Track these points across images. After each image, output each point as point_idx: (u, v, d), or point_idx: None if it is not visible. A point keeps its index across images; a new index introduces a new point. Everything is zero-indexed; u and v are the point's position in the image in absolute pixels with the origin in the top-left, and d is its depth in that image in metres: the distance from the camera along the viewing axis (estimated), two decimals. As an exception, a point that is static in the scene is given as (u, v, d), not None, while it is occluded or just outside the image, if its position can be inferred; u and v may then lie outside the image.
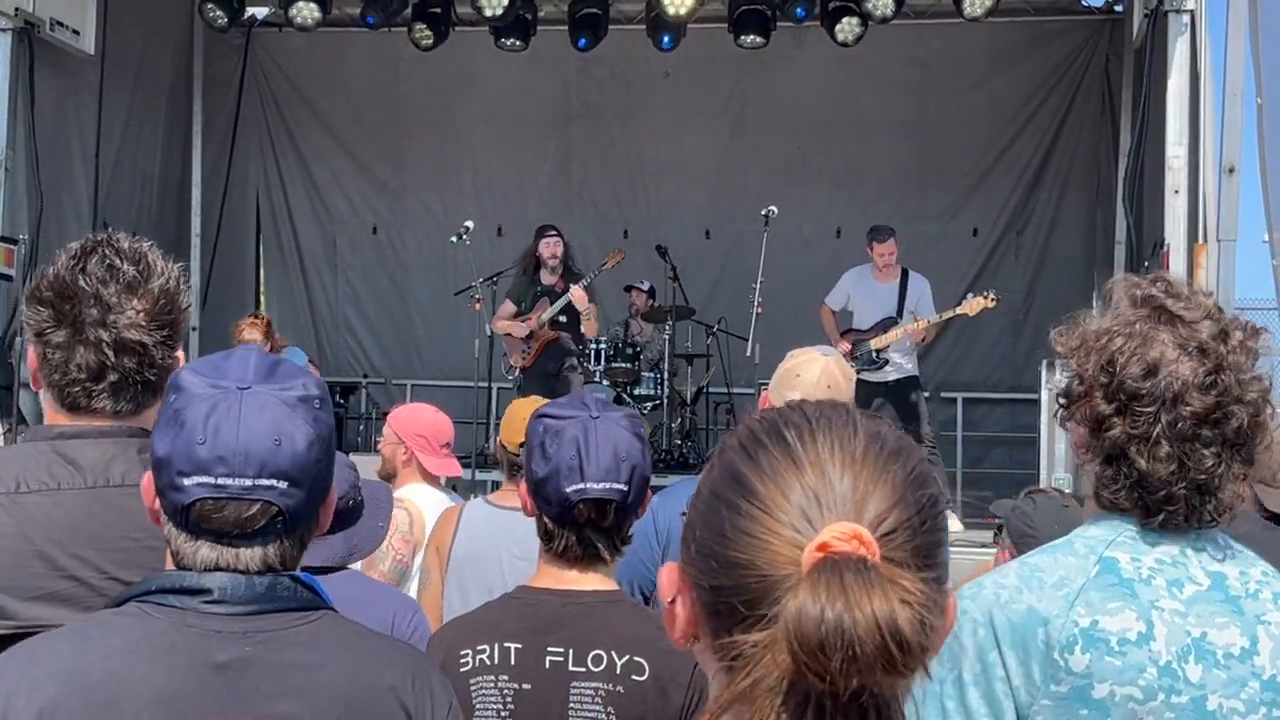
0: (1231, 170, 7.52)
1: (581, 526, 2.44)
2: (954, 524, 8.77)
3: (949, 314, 9.52)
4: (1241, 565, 1.96)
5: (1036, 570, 1.96)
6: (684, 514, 1.23)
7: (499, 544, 3.83)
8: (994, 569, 2.07)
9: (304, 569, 1.86)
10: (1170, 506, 1.93)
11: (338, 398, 11.87)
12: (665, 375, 10.72)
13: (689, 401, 11.30)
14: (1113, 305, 2.00)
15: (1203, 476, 1.90)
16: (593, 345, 10.38)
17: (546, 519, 2.48)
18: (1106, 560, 1.94)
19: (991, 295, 9.35)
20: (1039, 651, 1.89)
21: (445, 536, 4.05)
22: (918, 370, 9.93)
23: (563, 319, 10.13)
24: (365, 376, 13.41)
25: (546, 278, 10.15)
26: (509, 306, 10.24)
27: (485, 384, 10.59)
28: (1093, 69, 12.58)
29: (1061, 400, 2.03)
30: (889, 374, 9.67)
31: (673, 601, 1.19)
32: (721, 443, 1.22)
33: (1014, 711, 1.90)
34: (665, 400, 10.71)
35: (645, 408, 10.58)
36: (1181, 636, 1.89)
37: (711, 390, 11.60)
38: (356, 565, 3.41)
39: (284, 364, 1.83)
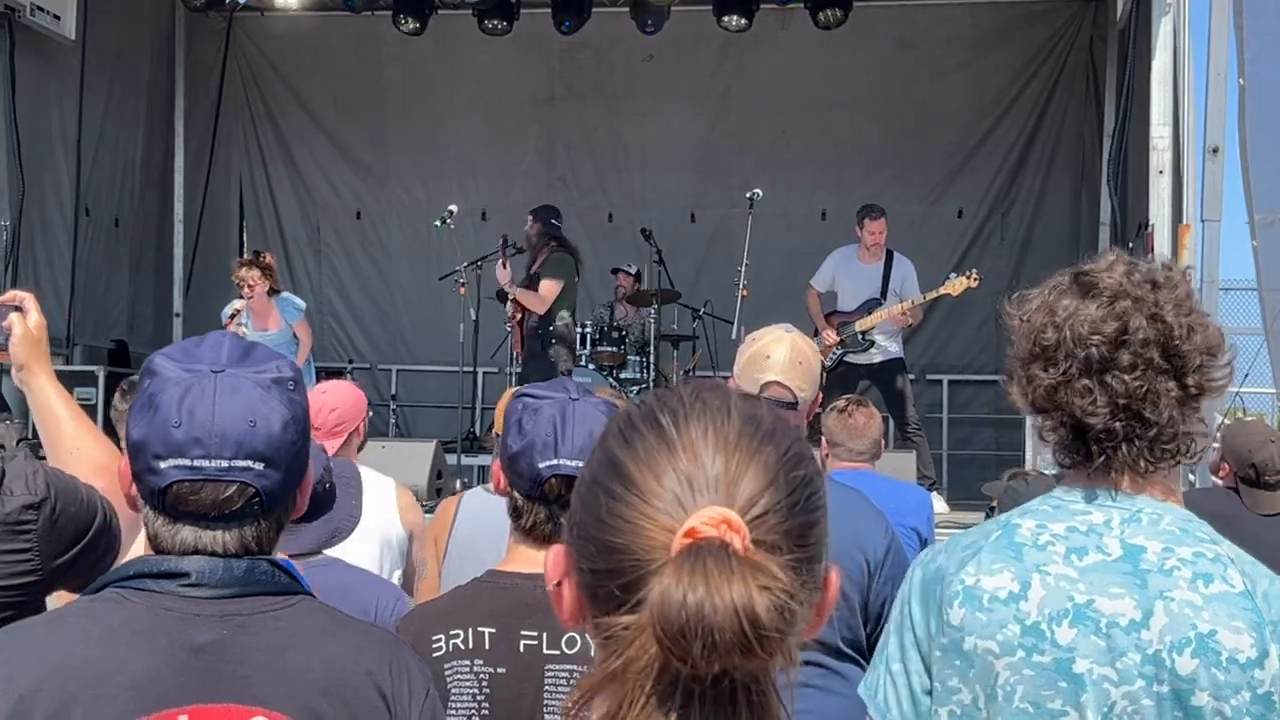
0: (1215, 150, 7.53)
1: (551, 503, 2.46)
2: (940, 505, 8.79)
3: (933, 294, 9.54)
4: (1172, 543, 1.95)
5: (962, 536, 2.10)
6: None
7: (499, 528, 3.82)
8: None
9: (289, 557, 1.86)
10: (1110, 442, 1.97)
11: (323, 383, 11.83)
12: (651, 358, 10.72)
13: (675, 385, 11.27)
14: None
15: (1125, 400, 1.95)
16: (579, 329, 10.36)
17: (517, 494, 2.51)
18: (1008, 526, 2.04)
19: (974, 274, 9.36)
20: (934, 607, 2.03)
21: (444, 527, 4.02)
22: (903, 353, 9.95)
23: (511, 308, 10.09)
24: (350, 362, 13.39)
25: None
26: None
27: (470, 369, 10.57)
28: (1077, 50, 12.59)
29: (1003, 380, 2.11)
30: (874, 356, 9.69)
31: (559, 584, 1.20)
32: (605, 428, 1.23)
33: (920, 660, 2.04)
34: (651, 384, 10.70)
35: (631, 391, 10.57)
36: (1061, 600, 1.93)
37: (698, 374, 11.60)
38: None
39: (257, 348, 1.84)
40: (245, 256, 9.55)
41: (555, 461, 2.43)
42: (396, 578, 4.38)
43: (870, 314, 9.62)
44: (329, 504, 3.11)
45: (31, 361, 2.55)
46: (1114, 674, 1.89)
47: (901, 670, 2.05)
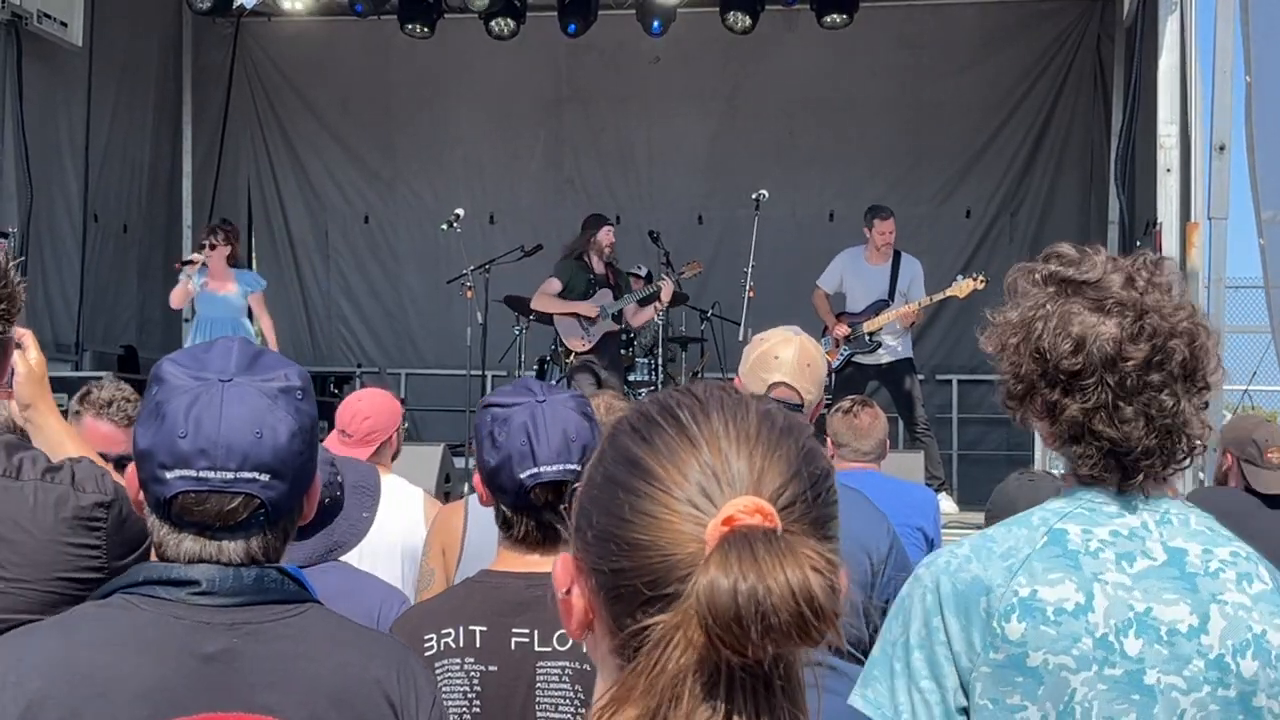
0: (1221, 148, 7.51)
1: (539, 510, 2.45)
2: (949, 505, 8.78)
3: (939, 296, 9.53)
4: (1207, 544, 1.95)
5: (989, 541, 2.00)
6: (564, 506, 1.25)
7: None
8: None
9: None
10: (1147, 460, 1.94)
11: (331, 387, 11.85)
12: (660, 361, 10.72)
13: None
14: (1019, 294, 2.01)
15: (1168, 420, 1.92)
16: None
17: (504, 507, 2.49)
18: (1055, 532, 1.96)
19: (981, 277, 9.37)
20: (980, 619, 1.92)
21: (452, 535, 3.98)
22: (911, 353, 9.94)
23: (615, 312, 10.14)
24: (359, 366, 13.38)
25: (596, 265, 10.10)
26: (555, 284, 10.09)
27: (479, 372, 10.58)
28: (1084, 48, 12.57)
29: (1009, 404, 2.04)
30: (882, 356, 9.69)
31: (568, 592, 1.19)
32: (611, 428, 1.22)
33: (955, 675, 1.93)
34: (660, 386, 10.70)
35: (640, 393, 10.57)
36: (1124, 610, 1.90)
37: (706, 375, 11.59)
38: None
39: (266, 355, 1.83)
40: (212, 223, 10.03)
41: (535, 470, 2.41)
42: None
43: (878, 315, 9.62)
44: (330, 517, 3.07)
45: (37, 400, 2.52)
46: (1182, 682, 1.88)
47: (934, 688, 1.93)
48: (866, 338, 9.64)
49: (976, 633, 1.92)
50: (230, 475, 1.72)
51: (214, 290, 9.25)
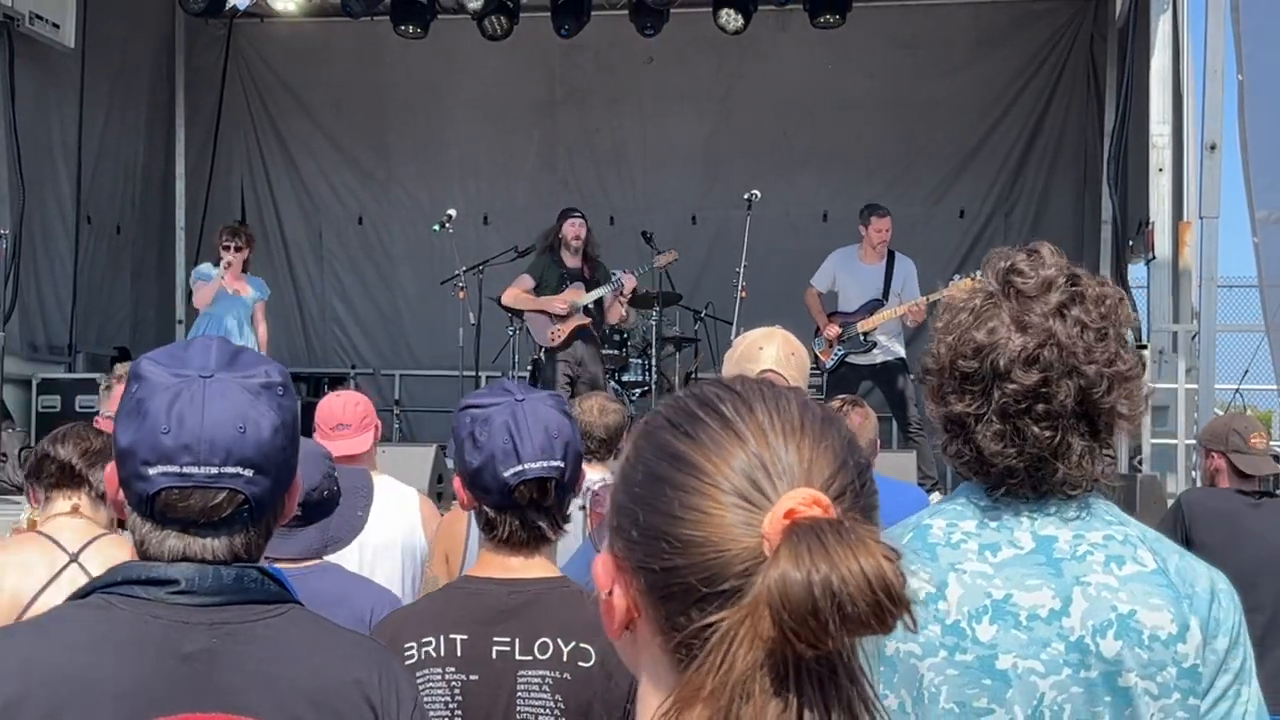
0: (1213, 147, 7.51)
1: (524, 509, 2.42)
2: (942, 505, 8.78)
3: (935, 296, 9.52)
4: (1082, 529, 1.95)
5: None
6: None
7: None
8: None
9: (277, 561, 1.85)
10: (1011, 479, 1.95)
11: (326, 388, 11.85)
12: (653, 361, 10.72)
13: (677, 387, 11.28)
14: (982, 276, 2.03)
15: (1035, 450, 1.92)
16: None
17: (487, 508, 2.46)
18: (920, 528, 2.00)
19: (979, 276, 9.35)
20: None
21: (455, 540, 3.97)
22: (905, 353, 9.94)
23: (589, 305, 10.10)
24: (353, 367, 13.39)
25: (569, 259, 10.01)
26: (527, 280, 9.99)
27: (471, 373, 10.57)
28: (1077, 49, 12.60)
29: (924, 376, 2.06)
30: (876, 356, 9.68)
31: (610, 593, 1.16)
32: (643, 424, 1.20)
33: None
34: (654, 386, 10.70)
35: (634, 394, 10.57)
36: (979, 598, 1.92)
37: (700, 375, 11.58)
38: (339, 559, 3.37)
39: (245, 352, 1.82)
40: (233, 225, 9.98)
41: (520, 467, 2.39)
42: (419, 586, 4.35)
43: (872, 315, 9.61)
44: (327, 511, 3.07)
45: None
46: (1040, 666, 1.89)
47: None
48: (861, 337, 9.63)
49: None
50: (214, 470, 1.71)
51: (232, 291, 9.31)
